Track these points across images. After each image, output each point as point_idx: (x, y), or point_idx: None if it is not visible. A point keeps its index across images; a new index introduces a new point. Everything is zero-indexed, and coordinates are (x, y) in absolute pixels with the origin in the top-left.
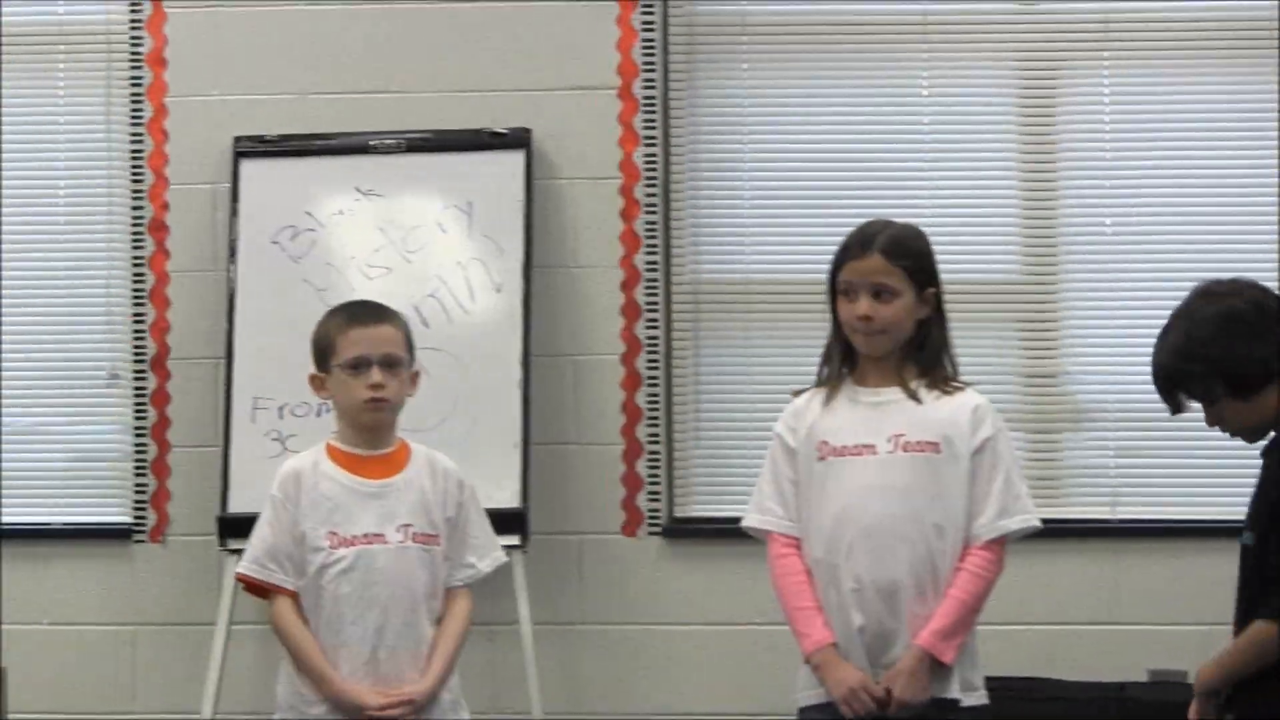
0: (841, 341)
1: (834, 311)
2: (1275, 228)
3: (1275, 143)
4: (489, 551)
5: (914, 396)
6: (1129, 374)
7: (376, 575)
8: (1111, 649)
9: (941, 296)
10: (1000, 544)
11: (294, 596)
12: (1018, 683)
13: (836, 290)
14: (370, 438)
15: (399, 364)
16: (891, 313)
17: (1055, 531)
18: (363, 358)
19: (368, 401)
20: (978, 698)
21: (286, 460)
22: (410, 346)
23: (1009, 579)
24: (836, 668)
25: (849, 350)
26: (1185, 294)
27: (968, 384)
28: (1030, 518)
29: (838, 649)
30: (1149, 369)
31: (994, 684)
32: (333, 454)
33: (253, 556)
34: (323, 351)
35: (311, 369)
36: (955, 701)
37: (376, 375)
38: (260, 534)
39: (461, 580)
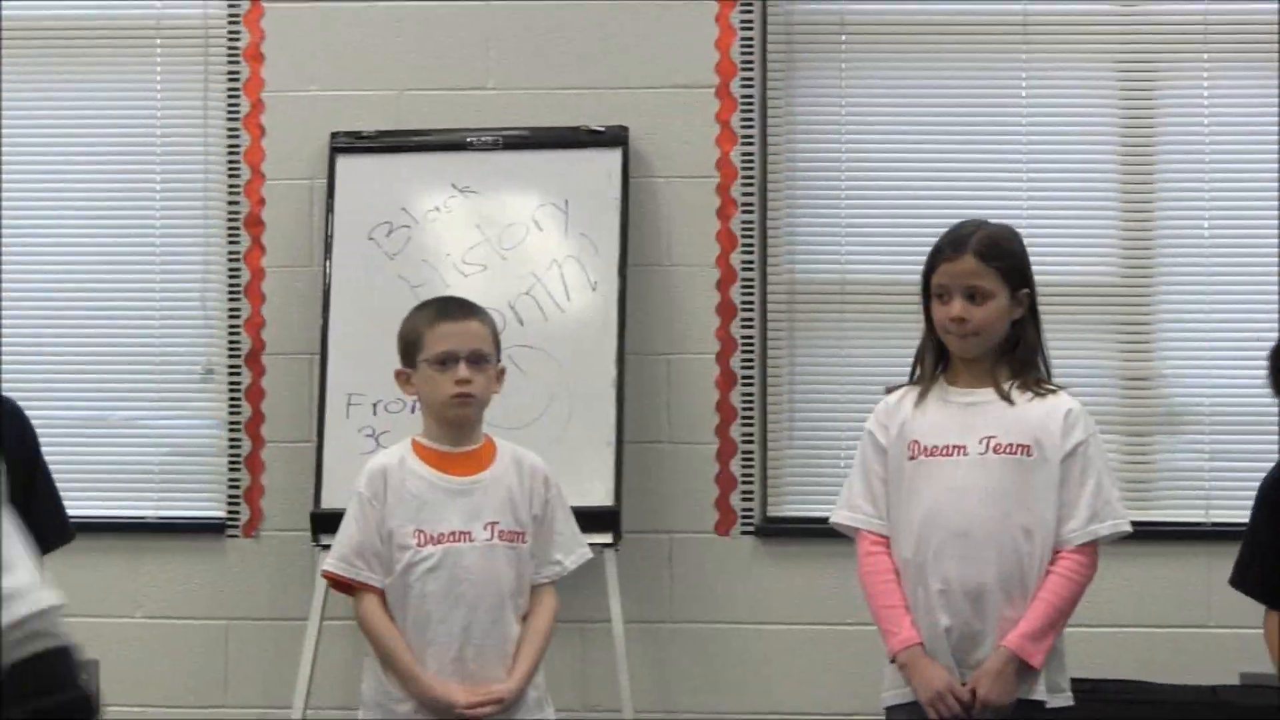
0: (934, 342)
1: (927, 312)
2: None
3: None
4: (575, 548)
5: (1006, 398)
6: (1224, 377)
7: (463, 573)
8: (1204, 652)
9: (1035, 297)
10: (1092, 548)
11: (380, 594)
12: (1110, 685)
13: (930, 291)
14: (456, 434)
15: (486, 360)
16: (985, 314)
17: (1148, 534)
18: (450, 353)
19: (454, 397)
20: (1063, 699)
21: (372, 457)
22: (497, 343)
23: (1101, 582)
24: (923, 668)
25: (942, 350)
26: None
27: (1061, 386)
28: (1121, 523)
29: (924, 649)
30: (1244, 372)
31: (1085, 687)
32: (419, 451)
33: (340, 554)
34: (409, 347)
35: (398, 365)
36: (1040, 703)
37: (463, 370)
38: (347, 531)
39: (547, 577)
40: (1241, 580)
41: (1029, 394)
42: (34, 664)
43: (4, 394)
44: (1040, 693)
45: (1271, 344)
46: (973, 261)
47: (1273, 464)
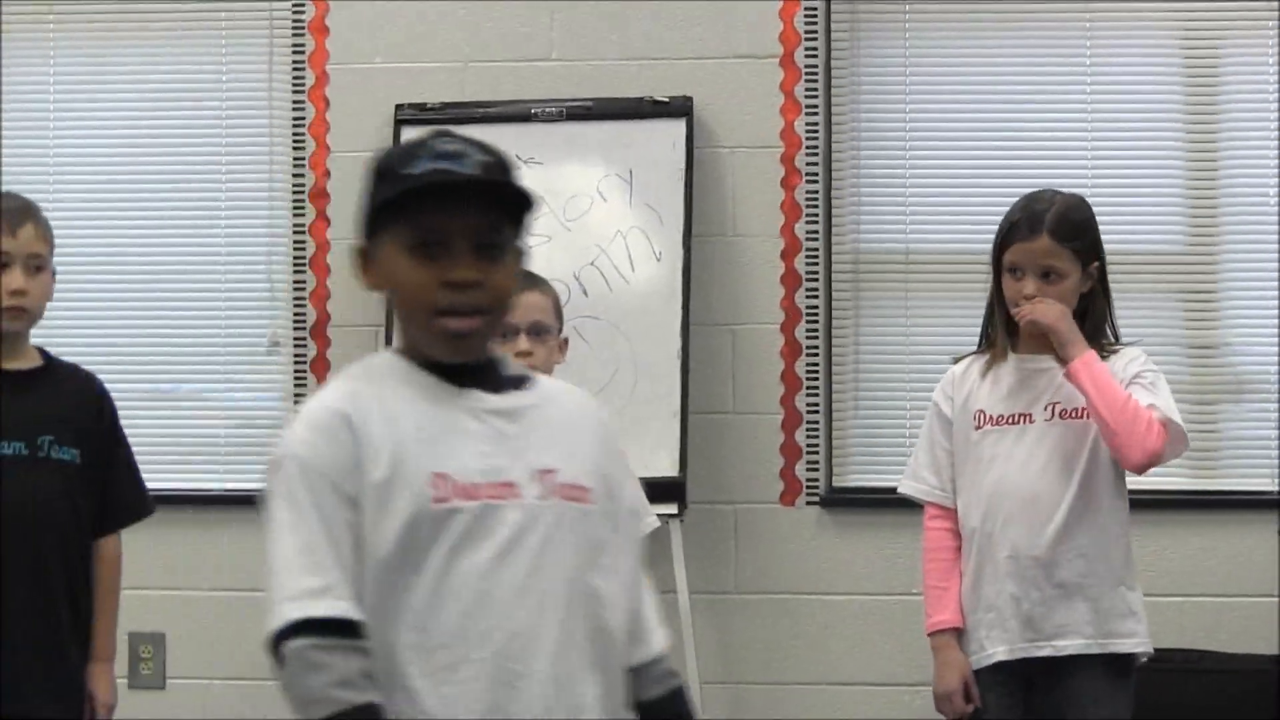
0: (1004, 312)
1: (997, 283)
2: None
3: None
4: (642, 516)
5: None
6: None
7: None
8: (1271, 621)
9: (1105, 269)
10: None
11: None
12: (1177, 654)
13: (1001, 264)
14: None
15: (547, 331)
16: (1058, 293)
17: (1216, 503)
18: (510, 325)
19: None
20: (1142, 645)
21: None
22: (559, 313)
23: (1169, 551)
24: (947, 655)
25: (1010, 321)
26: None
27: (1128, 343)
28: (1180, 426)
29: (997, 617)
30: None
31: (1153, 655)
32: None
33: None
34: None
35: None
36: (1129, 655)
37: (524, 343)
38: None
39: None
40: None
41: None
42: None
43: (84, 369)
44: (1126, 644)
45: None
46: (1048, 242)
47: None
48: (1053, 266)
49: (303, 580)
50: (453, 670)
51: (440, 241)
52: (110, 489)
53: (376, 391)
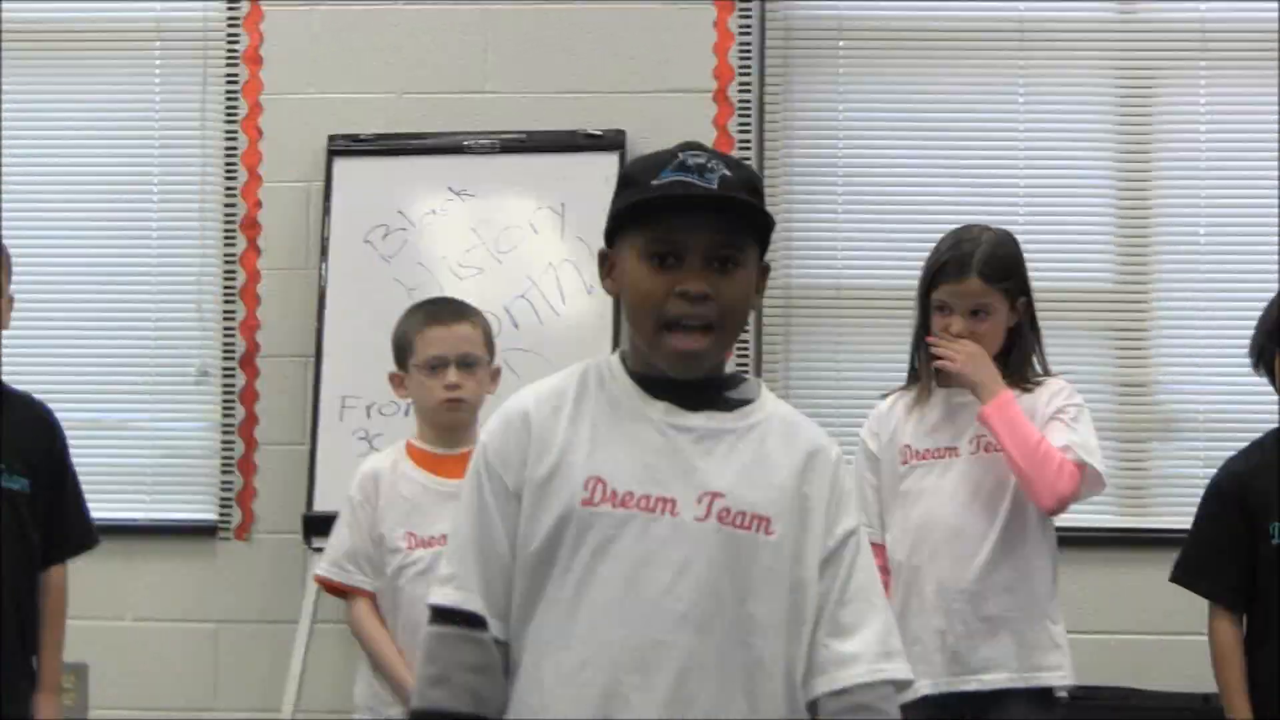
0: (927, 348)
1: (924, 319)
2: None
3: None
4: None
5: None
6: (1219, 384)
7: None
8: (1198, 659)
9: (1033, 303)
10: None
11: (372, 597)
12: (1104, 692)
13: (929, 302)
14: (449, 437)
15: (477, 363)
16: (987, 328)
17: (1144, 541)
18: (440, 357)
19: (444, 401)
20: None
21: (365, 460)
22: (490, 344)
23: (1096, 589)
24: None
25: (935, 356)
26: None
27: (1053, 374)
28: (1098, 466)
29: (922, 651)
30: (1239, 378)
31: (1079, 693)
32: (412, 453)
33: (331, 558)
34: (401, 350)
35: (393, 368)
36: (1049, 690)
37: (453, 375)
38: (339, 535)
39: None
40: (1183, 575)
41: (1017, 391)
42: None
43: (36, 397)
44: (1051, 678)
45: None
46: (978, 283)
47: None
48: (981, 305)
49: (443, 567)
50: (578, 671)
51: (674, 252)
52: (58, 519)
53: (577, 390)
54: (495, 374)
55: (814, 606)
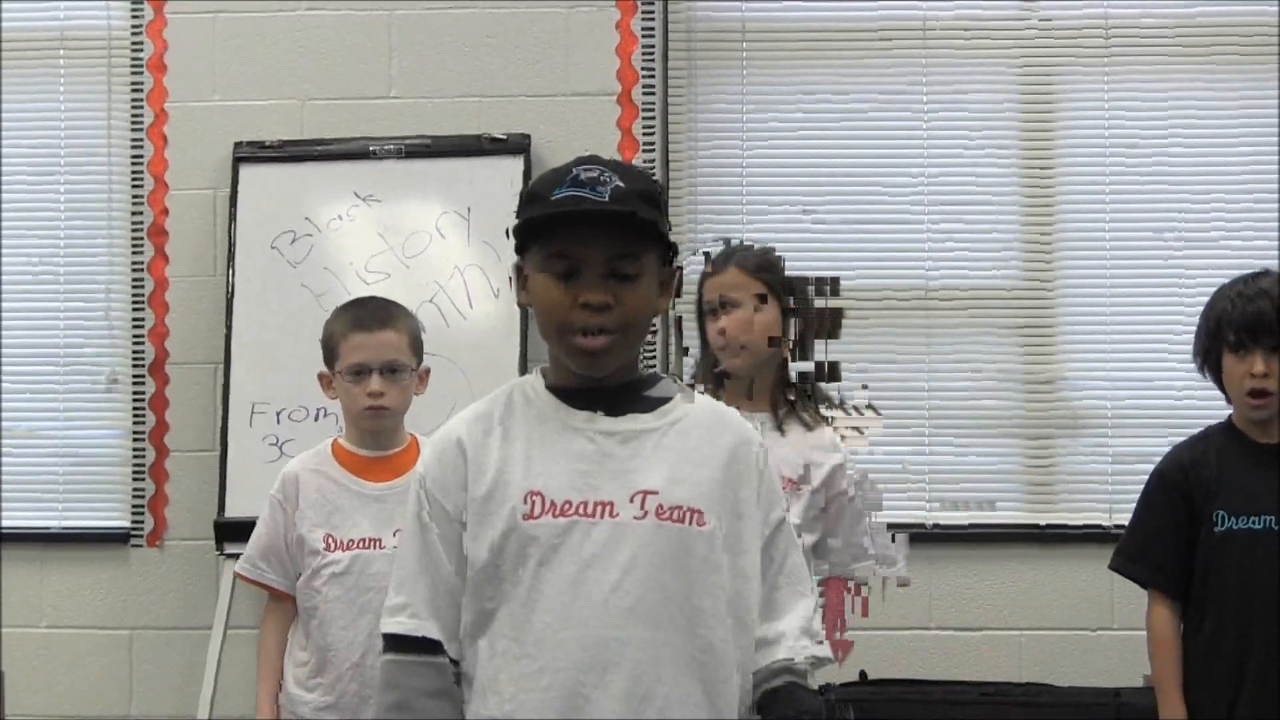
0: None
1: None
2: (1276, 234)
3: (1276, 147)
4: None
5: None
6: (1126, 380)
7: (371, 580)
8: (1107, 654)
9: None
10: None
11: (292, 600)
12: (1014, 688)
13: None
14: (375, 440)
15: (401, 370)
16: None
17: (1051, 537)
18: (363, 365)
19: (366, 409)
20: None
21: (290, 460)
22: (416, 347)
23: (1004, 585)
24: None
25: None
26: (1181, 302)
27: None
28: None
29: None
30: (1145, 375)
31: (990, 689)
32: (338, 454)
33: (248, 556)
34: (328, 353)
35: (322, 368)
36: None
37: (375, 383)
38: (257, 533)
39: None
40: (1123, 563)
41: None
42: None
43: None
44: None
45: (1172, 346)
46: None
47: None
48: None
49: (392, 597)
50: (537, 677)
51: (573, 266)
52: None
53: (503, 411)
54: (424, 375)
55: (759, 593)
